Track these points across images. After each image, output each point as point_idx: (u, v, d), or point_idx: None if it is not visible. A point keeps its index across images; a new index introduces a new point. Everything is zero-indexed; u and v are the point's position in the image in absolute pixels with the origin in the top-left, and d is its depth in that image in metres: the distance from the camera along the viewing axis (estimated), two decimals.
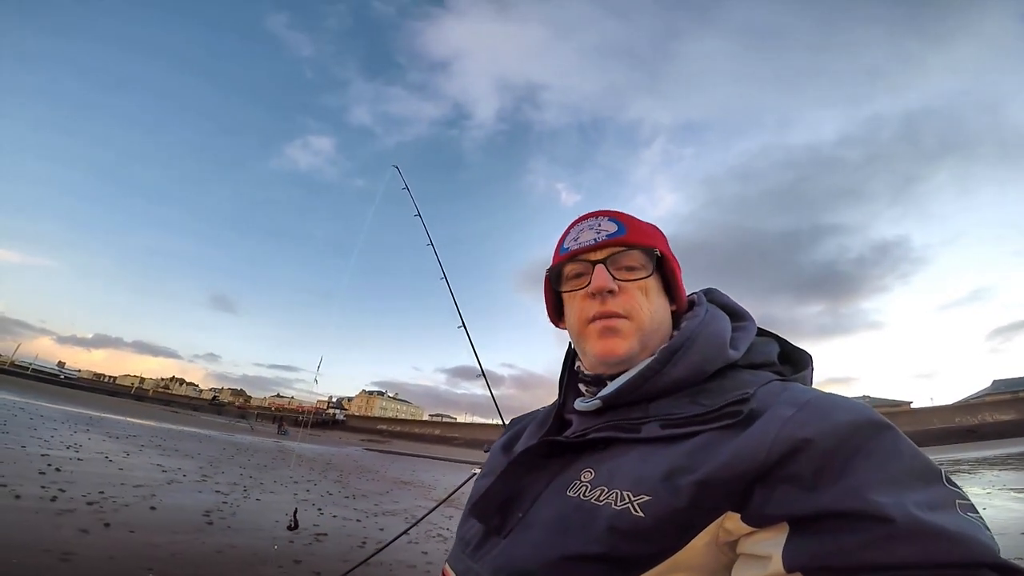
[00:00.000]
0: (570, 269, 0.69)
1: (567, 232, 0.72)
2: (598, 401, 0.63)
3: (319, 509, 6.58)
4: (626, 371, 0.63)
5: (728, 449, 0.47)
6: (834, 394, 0.51)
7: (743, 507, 0.44)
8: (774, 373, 0.62)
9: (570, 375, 0.74)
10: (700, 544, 0.45)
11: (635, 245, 0.65)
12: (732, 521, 0.45)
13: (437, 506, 3.25)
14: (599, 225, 0.68)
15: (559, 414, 0.71)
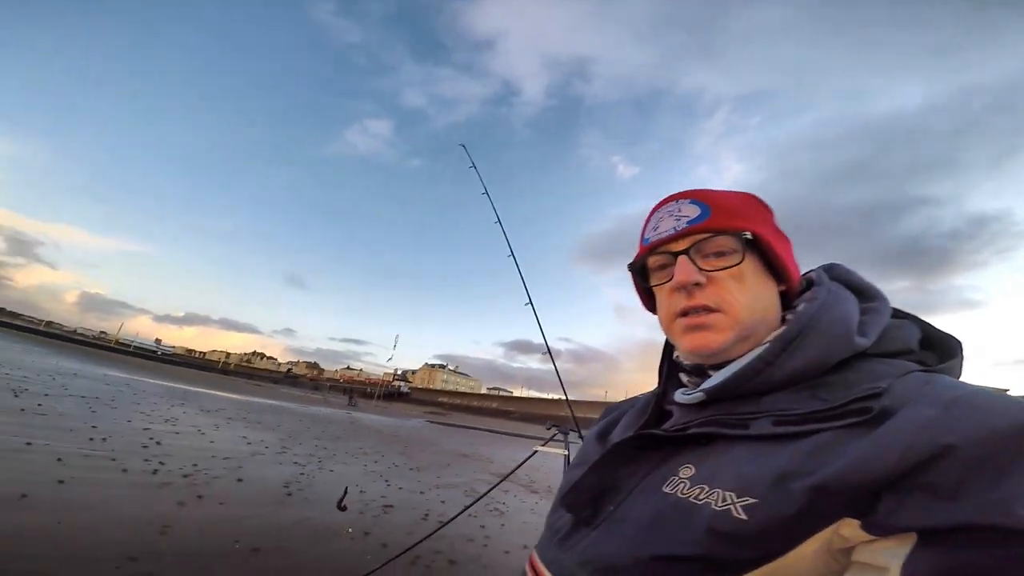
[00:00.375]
0: (653, 261, 0.64)
1: (647, 220, 0.67)
2: (701, 394, 0.59)
3: (386, 481, 6.95)
4: (730, 361, 0.58)
5: (854, 452, 0.42)
6: (988, 390, 0.44)
7: (864, 514, 0.40)
8: (914, 362, 0.54)
9: (670, 363, 0.70)
10: (808, 550, 0.42)
11: (721, 230, 0.59)
12: (849, 528, 0.41)
13: (498, 483, 3.32)
14: (679, 210, 0.62)
15: (659, 405, 0.68)
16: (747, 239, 0.58)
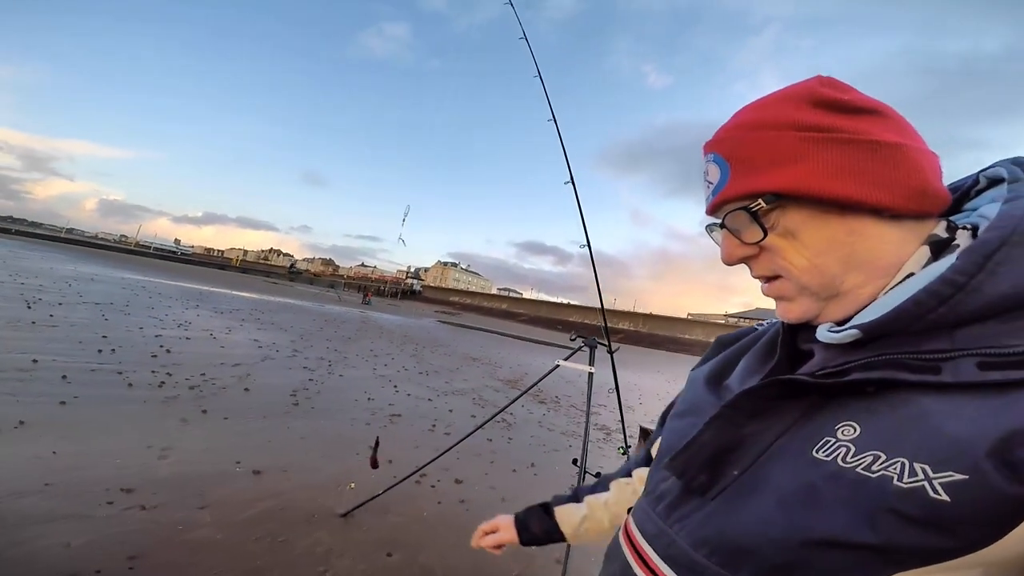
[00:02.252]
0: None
1: None
2: (855, 331, 0.45)
3: (395, 386, 7.14)
4: (862, 305, 0.46)
5: None
6: None
7: None
8: None
9: None
10: (1016, 539, 0.33)
11: (743, 195, 0.49)
12: None
13: (515, 399, 3.23)
14: (708, 172, 0.53)
15: (790, 341, 0.55)
16: (760, 209, 0.48)
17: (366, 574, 2.37)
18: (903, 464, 0.36)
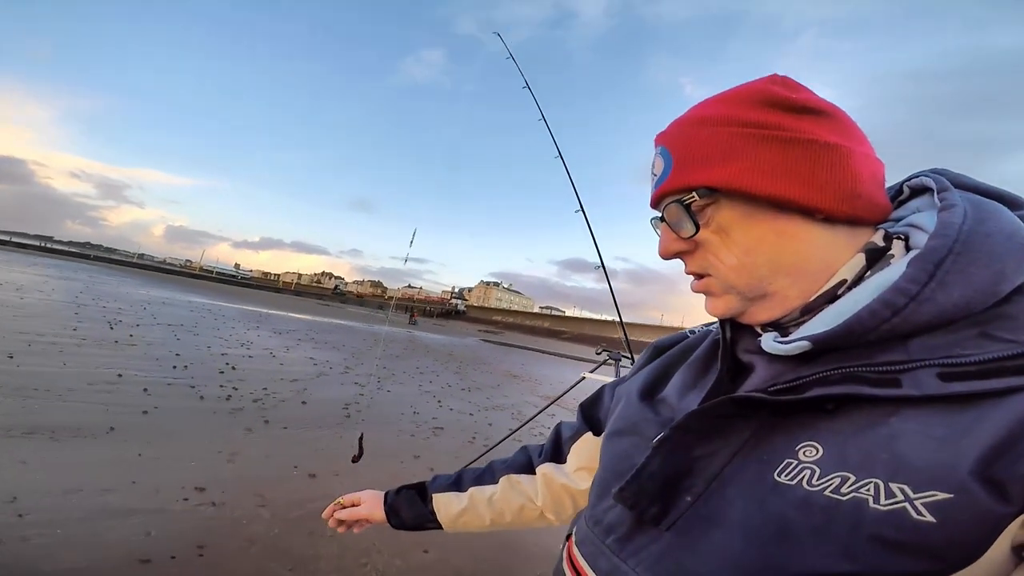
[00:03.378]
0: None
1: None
2: (805, 343, 0.42)
3: (439, 401, 7.38)
4: (825, 305, 0.44)
5: None
6: None
7: None
8: None
9: None
10: (999, 551, 0.32)
11: (679, 190, 0.48)
12: None
13: (544, 408, 3.39)
14: (654, 163, 0.52)
15: (729, 354, 0.52)
16: (705, 192, 0.46)
17: (402, 569, 2.56)
18: (877, 485, 0.34)
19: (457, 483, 0.80)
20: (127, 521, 2.51)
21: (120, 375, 5.37)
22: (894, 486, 0.33)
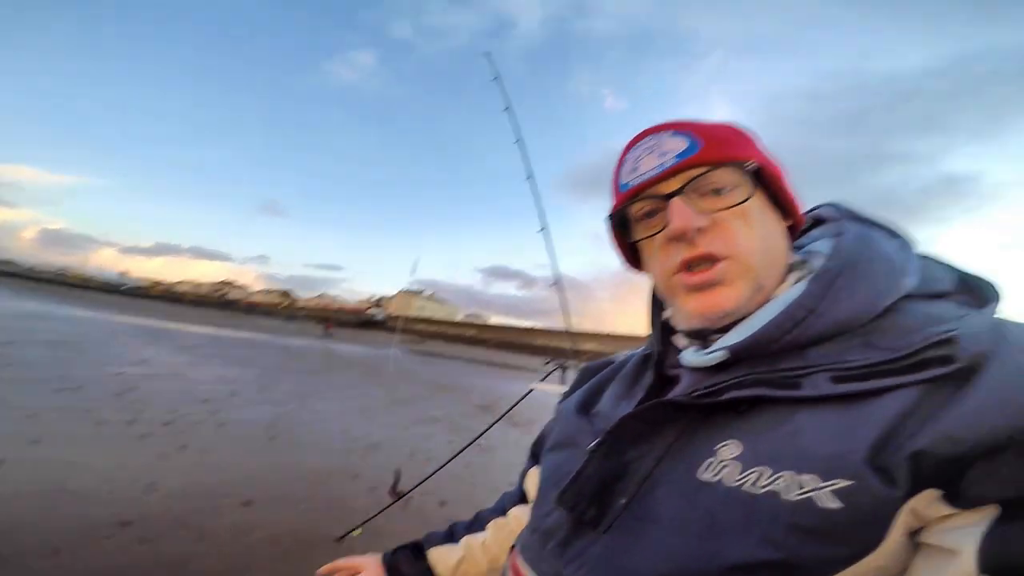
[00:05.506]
0: (637, 209, 0.53)
1: (621, 161, 0.55)
2: (722, 353, 0.47)
3: (368, 417, 7.12)
4: (738, 321, 0.49)
5: (954, 414, 0.35)
6: None
7: (948, 483, 0.34)
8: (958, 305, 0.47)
9: (662, 323, 0.60)
10: (897, 535, 0.35)
11: (719, 161, 0.49)
12: (926, 501, 0.35)
13: (493, 424, 3.39)
14: (662, 144, 0.51)
15: (658, 369, 0.56)
16: (754, 168, 0.49)
17: None
18: (789, 477, 0.37)
19: (450, 535, 0.82)
20: (44, 564, 2.21)
21: None
22: (803, 477, 0.36)
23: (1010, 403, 0.34)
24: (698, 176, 0.48)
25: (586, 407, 0.62)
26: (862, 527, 0.35)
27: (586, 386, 0.67)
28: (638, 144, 0.53)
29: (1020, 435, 0.32)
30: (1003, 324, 0.40)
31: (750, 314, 0.48)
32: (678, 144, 0.50)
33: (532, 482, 0.74)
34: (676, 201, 0.48)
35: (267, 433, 5.33)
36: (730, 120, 0.53)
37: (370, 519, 3.04)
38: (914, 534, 0.36)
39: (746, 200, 0.48)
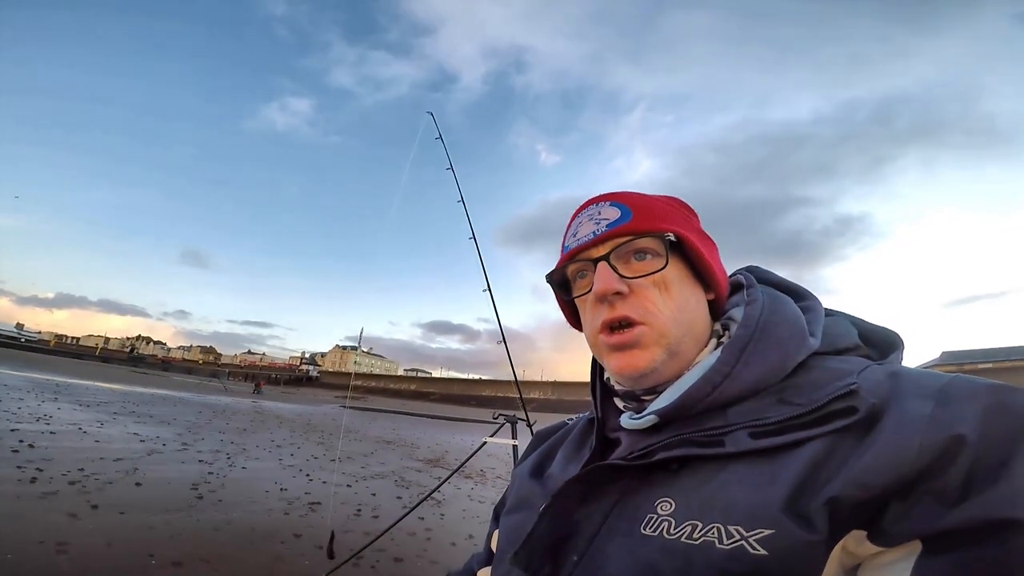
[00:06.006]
0: (574, 270, 0.59)
1: (568, 226, 0.60)
2: (652, 417, 0.51)
3: (307, 475, 6.60)
4: (665, 382, 0.53)
5: (863, 457, 0.38)
6: (960, 375, 0.42)
7: (871, 523, 0.37)
8: (861, 357, 0.52)
9: (602, 386, 0.63)
10: (834, 574, 0.38)
11: (643, 232, 0.53)
12: (855, 540, 0.38)
13: (444, 481, 3.26)
14: (599, 213, 0.56)
15: (600, 433, 0.60)
16: (671, 241, 0.53)
17: None
18: (718, 528, 0.39)
19: None
20: None
21: None
22: (731, 527, 0.39)
23: (909, 446, 0.36)
24: (623, 243, 0.53)
25: (539, 470, 0.66)
26: (792, 571, 0.36)
27: (538, 450, 0.71)
28: (583, 211, 0.58)
29: (922, 475, 0.36)
30: (899, 372, 0.44)
31: (671, 378, 0.53)
32: (612, 213, 0.55)
33: (496, 543, 0.75)
34: (602, 265, 0.53)
35: (193, 492, 4.80)
36: (653, 184, 0.69)
37: None
38: (853, 570, 0.39)
39: (662, 269, 0.52)
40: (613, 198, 0.57)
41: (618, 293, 0.52)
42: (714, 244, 0.59)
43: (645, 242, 0.53)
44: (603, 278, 0.52)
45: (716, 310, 0.58)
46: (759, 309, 0.52)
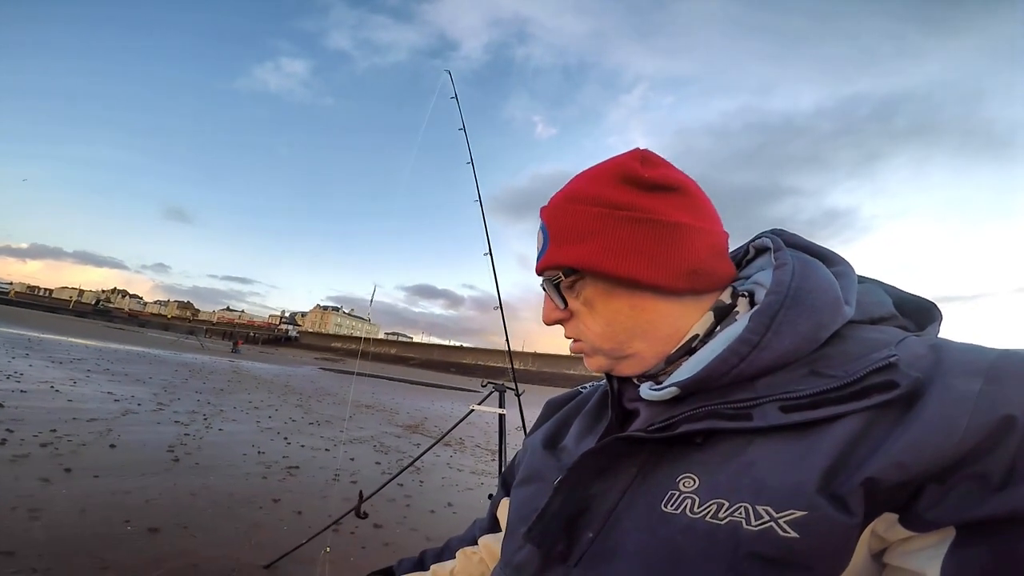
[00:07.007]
0: None
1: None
2: (674, 388, 0.48)
3: (285, 438, 6.65)
4: (653, 367, 0.52)
5: (901, 439, 0.35)
6: (1007, 349, 0.38)
7: (903, 507, 0.35)
8: (898, 328, 0.48)
9: None
10: (859, 560, 0.36)
11: (557, 265, 0.53)
12: (885, 524, 0.36)
13: (429, 448, 3.30)
14: (539, 236, 0.57)
15: (617, 402, 0.57)
16: (571, 271, 0.52)
17: None
18: (747, 508, 0.37)
19: (420, 563, 0.81)
20: None
21: None
22: (760, 508, 0.36)
23: (952, 427, 0.33)
24: (546, 277, 0.55)
25: (552, 442, 0.64)
26: (824, 555, 0.35)
27: (552, 420, 0.69)
28: (539, 223, 0.57)
29: (965, 459, 0.33)
30: (941, 346, 0.40)
31: (655, 363, 0.52)
32: (540, 241, 0.56)
33: (504, 512, 0.73)
34: (544, 295, 0.57)
35: (169, 455, 4.80)
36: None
37: (304, 543, 2.83)
38: (880, 555, 0.37)
39: (576, 298, 0.54)
40: (543, 215, 0.56)
41: (558, 321, 0.56)
42: (659, 225, 0.50)
43: (556, 279, 0.54)
44: (544, 310, 0.57)
45: (707, 284, 0.52)
46: (789, 274, 0.47)
